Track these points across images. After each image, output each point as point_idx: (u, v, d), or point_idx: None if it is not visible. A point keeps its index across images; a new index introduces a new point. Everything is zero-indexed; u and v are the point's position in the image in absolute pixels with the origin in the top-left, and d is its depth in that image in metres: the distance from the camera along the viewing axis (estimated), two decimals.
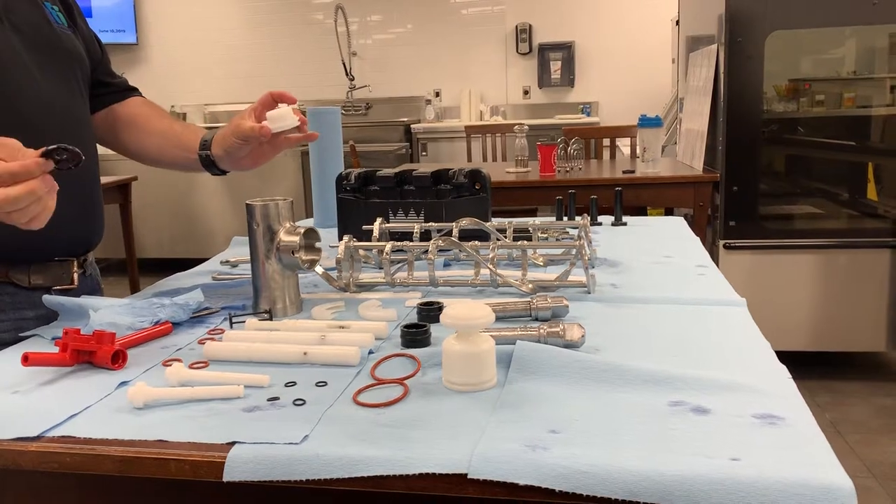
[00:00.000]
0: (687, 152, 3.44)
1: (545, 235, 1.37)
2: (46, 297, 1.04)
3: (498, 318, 0.94)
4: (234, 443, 0.64)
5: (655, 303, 1.00)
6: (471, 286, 1.11)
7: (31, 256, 1.11)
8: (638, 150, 3.41)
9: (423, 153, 5.49)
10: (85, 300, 1.03)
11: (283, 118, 1.11)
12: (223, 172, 1.25)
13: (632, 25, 5.71)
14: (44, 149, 0.80)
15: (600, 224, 1.61)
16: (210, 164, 1.22)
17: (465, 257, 1.23)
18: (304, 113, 1.18)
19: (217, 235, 5.03)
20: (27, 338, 0.97)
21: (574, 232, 1.47)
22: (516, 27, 5.87)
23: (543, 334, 0.82)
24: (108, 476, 0.65)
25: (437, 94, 6.03)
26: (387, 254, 1.10)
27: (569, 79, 5.82)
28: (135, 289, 4.00)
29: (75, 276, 1.16)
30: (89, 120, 1.23)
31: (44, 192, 0.81)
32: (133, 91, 1.36)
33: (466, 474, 0.58)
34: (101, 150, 1.28)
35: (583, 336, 0.83)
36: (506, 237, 1.23)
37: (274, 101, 1.13)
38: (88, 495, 0.69)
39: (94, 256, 1.27)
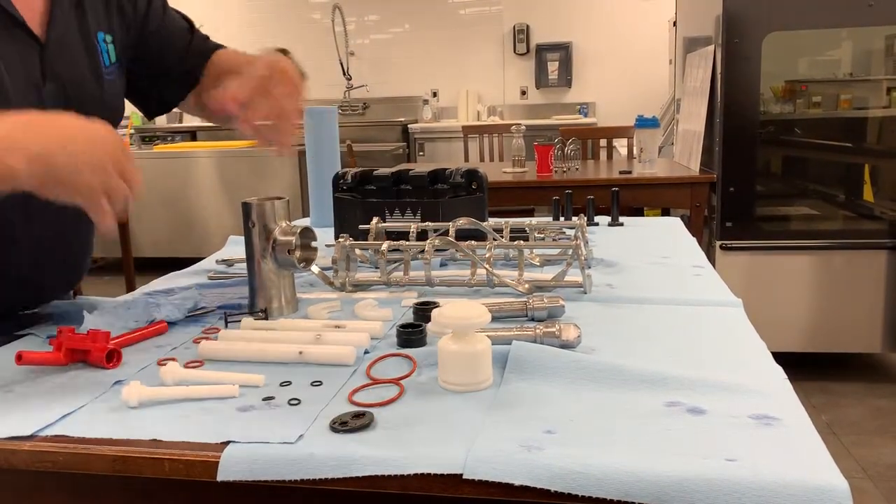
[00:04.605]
0: (684, 153, 3.45)
1: (542, 235, 1.37)
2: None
3: (494, 319, 0.94)
4: (228, 442, 0.63)
5: (652, 303, 1.00)
6: (467, 286, 1.11)
7: (13, 310, 1.07)
8: (635, 151, 3.42)
9: (421, 153, 5.49)
10: (80, 300, 1.02)
11: None
12: None
13: (629, 26, 5.71)
14: None
15: (597, 224, 1.61)
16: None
17: (462, 257, 1.23)
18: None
19: (213, 234, 5.02)
20: (21, 336, 0.97)
21: (571, 232, 1.46)
22: (514, 27, 5.87)
23: (539, 334, 0.82)
24: (101, 475, 0.65)
25: (435, 94, 6.03)
26: (383, 253, 1.10)
27: (566, 79, 5.83)
28: (131, 288, 3.99)
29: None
30: None
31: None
32: (210, 52, 1.25)
33: (462, 474, 0.58)
34: None
35: (579, 336, 0.82)
36: (502, 237, 1.23)
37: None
38: (82, 495, 0.69)
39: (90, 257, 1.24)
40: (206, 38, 1.27)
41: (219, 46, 1.27)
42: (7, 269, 1.03)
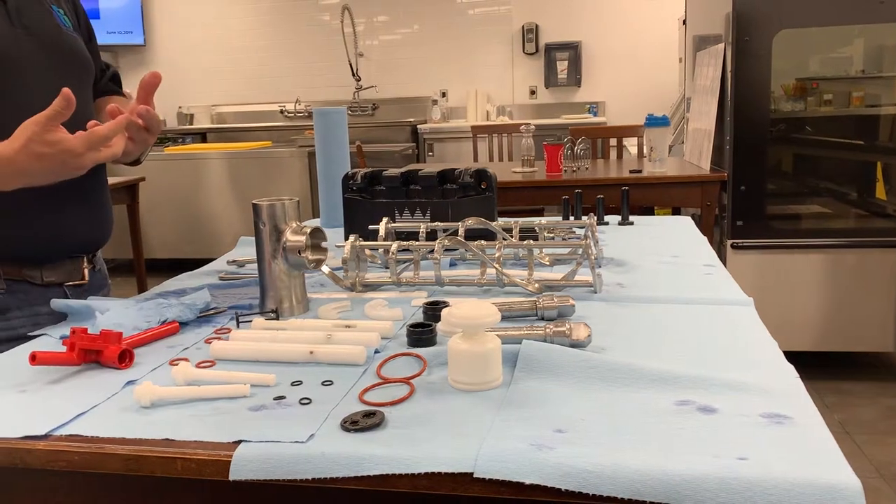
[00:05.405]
0: (694, 152, 3.44)
1: (551, 235, 1.36)
2: (54, 301, 1.04)
3: (504, 318, 0.94)
4: (240, 441, 0.64)
5: (662, 302, 1.00)
6: (477, 286, 1.11)
7: (43, 257, 1.13)
8: (645, 150, 3.41)
9: (430, 153, 5.49)
10: (92, 301, 1.03)
11: None
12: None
13: (638, 25, 5.70)
14: None
15: (607, 224, 1.61)
16: None
17: (472, 257, 1.23)
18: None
19: (224, 235, 5.05)
20: (36, 336, 0.98)
21: (580, 231, 1.46)
22: (523, 27, 5.86)
23: (549, 334, 0.82)
24: (115, 475, 0.65)
25: (444, 95, 6.04)
26: (393, 253, 1.10)
27: (575, 78, 5.82)
28: (142, 289, 4.02)
29: (86, 271, 1.19)
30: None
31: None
32: (108, 92, 1.32)
33: (472, 473, 0.58)
34: None
35: (589, 335, 0.82)
36: (512, 237, 1.23)
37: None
38: (95, 494, 0.69)
39: (102, 254, 1.28)
40: (115, 79, 1.35)
41: (118, 92, 1.34)
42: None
